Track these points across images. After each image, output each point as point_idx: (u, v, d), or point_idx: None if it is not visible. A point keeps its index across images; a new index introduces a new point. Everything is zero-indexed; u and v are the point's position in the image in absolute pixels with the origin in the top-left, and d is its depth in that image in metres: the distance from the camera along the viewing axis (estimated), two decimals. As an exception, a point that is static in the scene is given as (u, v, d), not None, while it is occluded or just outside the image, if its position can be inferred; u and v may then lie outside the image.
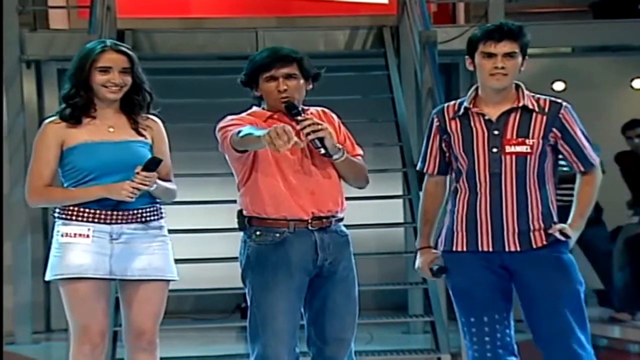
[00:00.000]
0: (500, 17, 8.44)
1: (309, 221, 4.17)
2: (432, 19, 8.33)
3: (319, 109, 4.30)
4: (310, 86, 4.26)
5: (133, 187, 4.08)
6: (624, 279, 8.13)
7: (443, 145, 4.31)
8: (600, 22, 9.35)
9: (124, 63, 4.23)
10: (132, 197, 4.09)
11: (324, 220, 4.19)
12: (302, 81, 4.20)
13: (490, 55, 4.14)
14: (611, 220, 8.50)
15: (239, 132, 4.02)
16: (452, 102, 4.33)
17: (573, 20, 9.42)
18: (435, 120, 4.33)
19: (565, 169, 4.44)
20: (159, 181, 4.20)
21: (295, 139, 3.82)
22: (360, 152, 4.32)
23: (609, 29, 9.02)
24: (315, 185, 4.18)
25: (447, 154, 4.31)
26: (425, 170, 4.40)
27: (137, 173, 4.09)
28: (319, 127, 4.06)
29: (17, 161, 8.53)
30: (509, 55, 4.13)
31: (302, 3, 9.71)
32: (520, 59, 4.17)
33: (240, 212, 4.24)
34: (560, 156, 4.28)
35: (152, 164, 4.13)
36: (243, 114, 4.26)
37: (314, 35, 8.92)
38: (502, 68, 4.12)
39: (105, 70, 4.20)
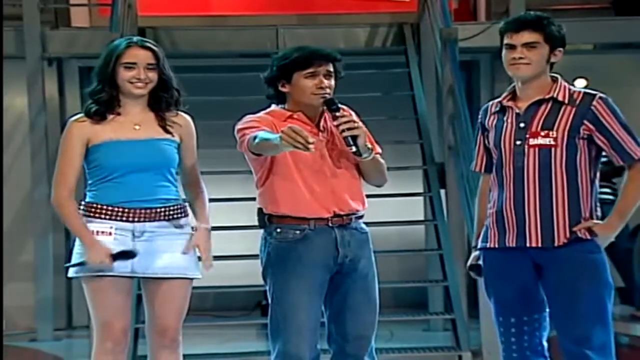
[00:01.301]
0: (521, 13, 8.43)
1: (329, 218, 4.17)
2: (453, 16, 8.32)
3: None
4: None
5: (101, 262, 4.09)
6: (645, 277, 8.10)
7: (486, 141, 4.27)
8: (622, 19, 9.33)
9: (149, 59, 4.23)
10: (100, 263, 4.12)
11: (344, 217, 4.19)
12: (334, 80, 4.21)
13: (511, 47, 4.10)
14: (632, 218, 8.45)
15: (255, 137, 4.01)
16: (497, 99, 4.28)
17: (594, 17, 9.40)
18: (479, 117, 4.31)
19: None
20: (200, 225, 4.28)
21: (308, 135, 3.80)
22: (379, 150, 4.30)
23: (631, 26, 9.00)
24: (335, 185, 4.17)
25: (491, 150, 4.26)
26: (473, 168, 4.38)
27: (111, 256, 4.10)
28: (355, 125, 4.07)
29: (39, 159, 8.59)
30: (530, 45, 4.07)
31: (323, 0, 9.72)
32: (545, 49, 4.09)
33: (260, 209, 4.25)
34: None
35: (124, 257, 4.12)
36: (261, 113, 4.25)
37: (335, 33, 8.93)
38: (520, 58, 4.06)
39: (131, 66, 4.20)
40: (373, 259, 4.29)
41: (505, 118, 4.16)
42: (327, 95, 4.14)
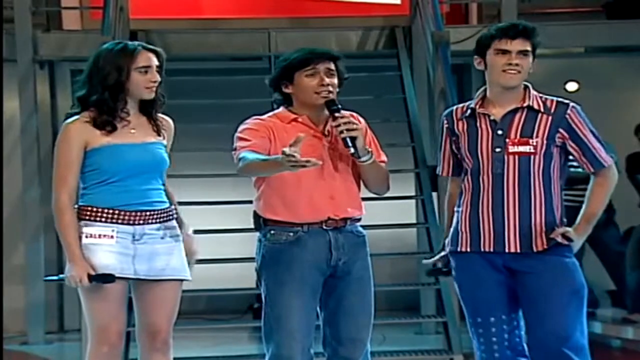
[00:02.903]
0: (513, 17, 8.45)
1: (324, 221, 4.17)
2: (445, 20, 8.33)
3: (347, 112, 4.26)
4: (338, 89, 4.24)
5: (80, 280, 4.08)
6: (637, 280, 8.10)
7: (453, 146, 4.31)
8: (613, 23, 9.34)
9: (156, 61, 4.23)
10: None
11: (339, 221, 4.19)
12: (336, 80, 4.20)
13: (505, 52, 4.13)
14: (624, 222, 8.47)
15: (241, 158, 4.00)
16: (462, 105, 4.33)
17: (586, 20, 9.42)
18: (445, 122, 4.33)
19: (578, 169, 4.41)
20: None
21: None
22: (385, 158, 4.30)
23: (622, 29, 9.01)
24: (335, 190, 4.17)
25: (459, 155, 4.31)
26: (440, 172, 4.41)
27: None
28: (354, 126, 4.07)
29: (30, 162, 8.58)
30: (523, 53, 4.13)
31: (315, 4, 9.72)
32: (531, 58, 4.17)
33: (255, 212, 4.25)
34: (572, 157, 4.25)
35: (102, 279, 4.10)
36: (266, 116, 4.24)
37: (327, 36, 8.93)
38: (516, 65, 4.12)
39: (146, 70, 4.19)
40: (369, 262, 4.29)
41: (478, 124, 4.21)
42: (330, 95, 4.14)
